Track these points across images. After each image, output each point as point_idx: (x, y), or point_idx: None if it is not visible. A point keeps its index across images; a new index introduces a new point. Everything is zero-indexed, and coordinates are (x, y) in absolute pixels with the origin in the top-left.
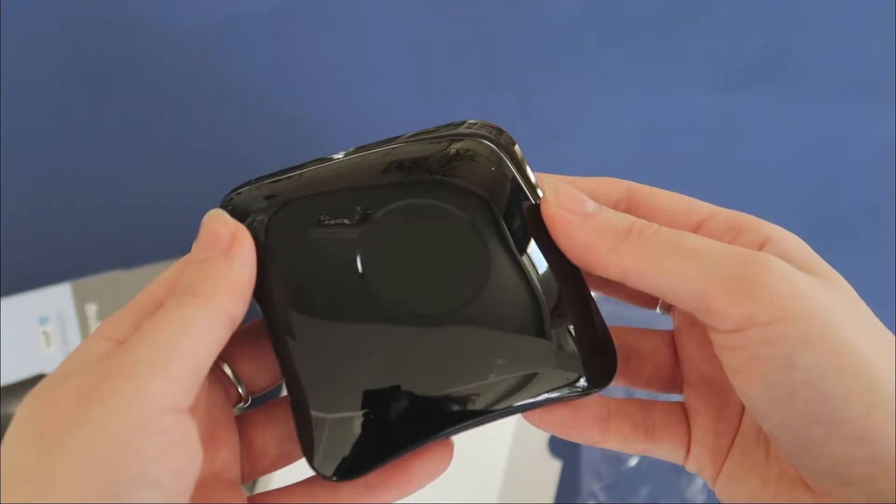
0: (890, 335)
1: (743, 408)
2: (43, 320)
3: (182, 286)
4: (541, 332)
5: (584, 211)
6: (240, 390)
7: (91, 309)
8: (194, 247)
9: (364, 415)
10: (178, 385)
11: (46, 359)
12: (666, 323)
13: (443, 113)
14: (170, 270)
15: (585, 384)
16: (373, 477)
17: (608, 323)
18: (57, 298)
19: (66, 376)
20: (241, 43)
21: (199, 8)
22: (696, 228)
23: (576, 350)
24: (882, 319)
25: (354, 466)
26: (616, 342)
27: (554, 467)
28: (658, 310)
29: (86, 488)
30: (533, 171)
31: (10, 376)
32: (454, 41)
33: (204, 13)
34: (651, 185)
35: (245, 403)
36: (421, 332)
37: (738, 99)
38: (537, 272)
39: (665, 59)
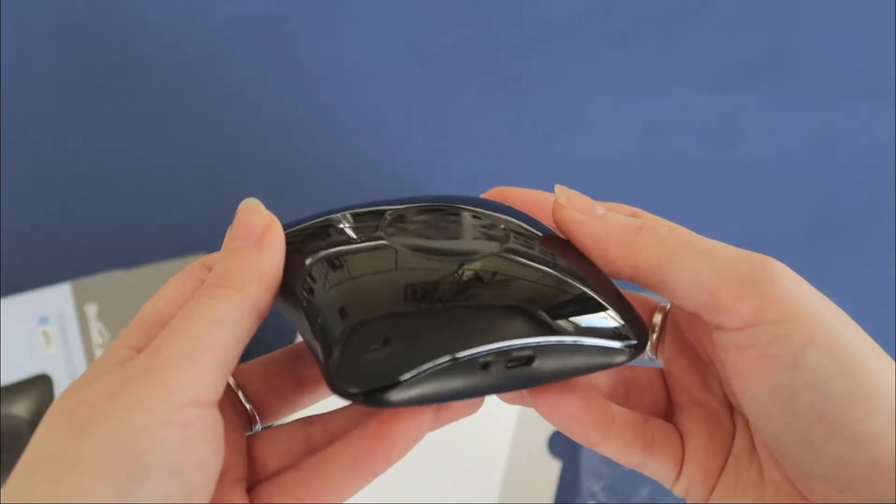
0: (882, 352)
1: (735, 429)
2: (43, 320)
3: (213, 276)
4: (583, 284)
5: (595, 213)
6: (257, 421)
7: (91, 309)
8: (227, 235)
9: (395, 334)
10: (206, 379)
11: (46, 359)
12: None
13: (442, 113)
14: (172, 287)
15: (630, 341)
16: (356, 449)
17: None
18: (57, 298)
19: (94, 378)
20: (241, 43)
21: (199, 8)
22: None
23: (617, 307)
24: (882, 319)
25: (379, 381)
26: (613, 376)
27: (554, 467)
28: (646, 355)
29: (109, 470)
30: (532, 177)
31: (10, 376)
32: (454, 41)
33: (204, 14)
34: (651, 185)
35: (253, 429)
36: (455, 271)
37: (738, 99)
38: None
39: (665, 59)
